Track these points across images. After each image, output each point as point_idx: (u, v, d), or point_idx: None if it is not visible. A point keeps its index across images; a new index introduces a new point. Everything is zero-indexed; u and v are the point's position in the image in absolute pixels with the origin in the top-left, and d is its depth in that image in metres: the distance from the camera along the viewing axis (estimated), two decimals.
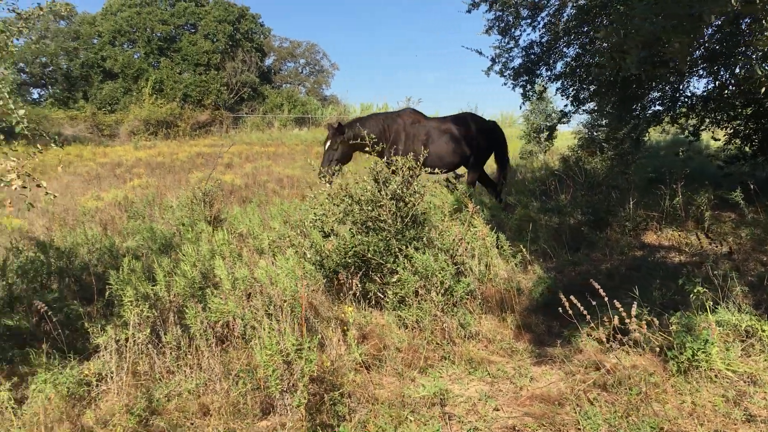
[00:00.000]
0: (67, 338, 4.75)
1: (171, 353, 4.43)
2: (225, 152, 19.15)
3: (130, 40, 36.83)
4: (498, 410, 3.95)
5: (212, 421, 3.80)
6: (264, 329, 4.07)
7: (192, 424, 3.85)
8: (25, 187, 3.21)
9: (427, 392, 3.98)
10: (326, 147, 9.54)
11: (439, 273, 4.88)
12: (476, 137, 10.25)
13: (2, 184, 3.22)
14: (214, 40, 37.58)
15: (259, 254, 6.75)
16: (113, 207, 10.93)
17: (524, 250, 6.18)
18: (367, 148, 9.47)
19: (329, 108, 42.29)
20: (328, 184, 9.31)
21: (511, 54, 10.12)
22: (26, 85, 35.92)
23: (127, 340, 4.36)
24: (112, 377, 4.17)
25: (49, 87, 36.50)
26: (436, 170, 9.87)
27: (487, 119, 10.87)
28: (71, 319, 4.98)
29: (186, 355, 4.42)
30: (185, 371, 4.29)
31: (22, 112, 3.16)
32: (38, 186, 3.32)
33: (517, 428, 3.71)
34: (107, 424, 3.71)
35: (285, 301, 4.69)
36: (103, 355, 4.29)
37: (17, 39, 3.49)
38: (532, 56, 10.03)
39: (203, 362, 4.28)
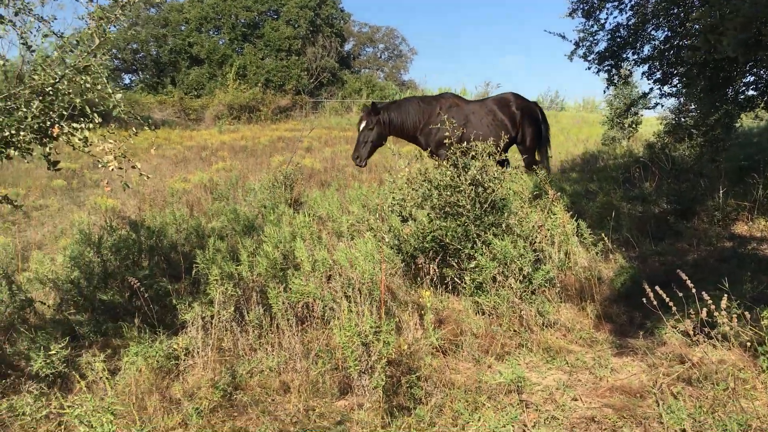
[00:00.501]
0: (156, 314, 4.97)
1: (253, 331, 4.58)
2: (305, 137, 19.46)
3: (215, 26, 37.78)
4: (576, 400, 3.90)
5: (292, 398, 3.91)
6: (343, 311, 4.15)
7: (273, 400, 3.97)
8: (120, 168, 3.37)
9: (504, 379, 3.97)
10: (361, 128, 9.23)
11: (518, 260, 4.84)
12: (520, 118, 9.87)
13: (100, 166, 3.39)
14: (296, 26, 38.09)
15: (338, 237, 6.86)
16: (199, 189, 11.31)
17: (606, 238, 6.04)
18: (404, 132, 9.34)
19: (407, 93, 42.27)
20: (361, 166, 9.21)
21: (595, 37, 9.81)
22: (119, 71, 37.43)
23: (212, 317, 4.53)
24: (198, 352, 4.35)
25: (140, 73, 37.91)
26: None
27: (530, 100, 10.44)
28: (160, 295, 5.21)
29: (267, 333, 4.55)
30: (267, 349, 4.42)
31: (119, 96, 3.31)
32: (132, 167, 3.48)
33: (596, 419, 3.65)
34: (193, 396, 3.87)
35: (363, 284, 4.76)
36: (190, 331, 4.48)
37: (113, 26, 3.65)
38: (618, 39, 9.70)
39: (284, 341, 4.41)
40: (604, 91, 11.38)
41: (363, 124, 9.16)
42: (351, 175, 12.96)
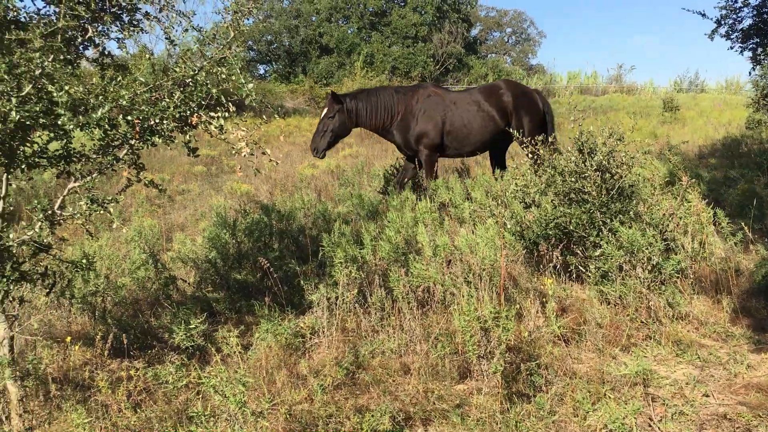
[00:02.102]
0: (285, 294, 5.21)
1: (375, 313, 4.70)
2: None
3: (344, 16, 38.58)
4: (708, 396, 3.73)
5: (412, 380, 3.99)
6: (463, 296, 4.18)
7: (394, 381, 4.07)
8: (252, 155, 3.56)
9: (629, 371, 3.85)
10: (322, 115, 8.34)
11: (647, 249, 4.66)
12: (513, 107, 8.80)
13: (233, 152, 3.61)
14: (423, 12, 38.19)
15: (460, 223, 6.87)
16: (326, 174, 11.66)
17: (746, 228, 5.67)
18: (375, 125, 8.36)
19: (534, 77, 41.32)
20: (319, 158, 8.36)
21: (739, 15, 9.18)
22: (254, 62, 39.12)
23: (337, 298, 4.69)
24: (323, 332, 4.53)
25: (273, 63, 39.42)
26: (465, 153, 8.88)
27: (527, 86, 9.41)
28: (289, 276, 5.45)
29: (389, 316, 4.66)
30: (388, 331, 4.53)
31: (251, 86, 3.49)
32: (263, 153, 3.67)
33: (728, 416, 3.48)
34: (318, 373, 4.04)
35: (484, 270, 4.76)
36: (316, 311, 4.67)
37: (248, 19, 3.85)
38: (765, 16, 9.03)
39: (405, 324, 4.50)
40: (750, 72, 10.58)
41: (324, 112, 8.32)
42: (475, 161, 12.88)
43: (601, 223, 5.17)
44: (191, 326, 4.27)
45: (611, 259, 4.78)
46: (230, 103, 3.60)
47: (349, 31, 38.28)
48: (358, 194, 7.90)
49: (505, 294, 4.59)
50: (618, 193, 5.33)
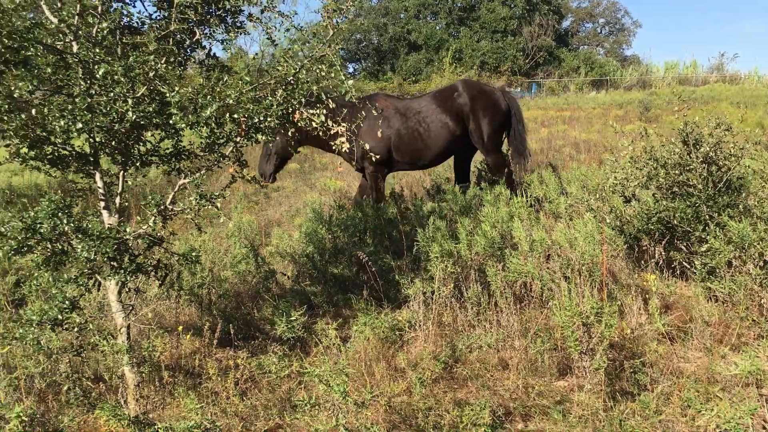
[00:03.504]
0: (380, 288, 5.27)
1: (472, 308, 4.69)
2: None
3: (433, 12, 38.55)
4: None
5: (511, 375, 3.96)
6: (562, 291, 4.11)
7: (492, 375, 4.05)
8: (352, 149, 3.61)
9: (741, 371, 3.68)
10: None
11: (758, 243, 4.43)
12: (470, 109, 7.99)
13: (333, 147, 3.68)
14: (512, 5, 37.64)
15: (555, 218, 6.75)
16: (419, 171, 11.68)
17: None
18: (321, 142, 7.25)
19: (629, 69, 39.97)
20: (270, 182, 7.85)
21: None
22: (344, 60, 39.70)
23: (432, 293, 4.71)
24: (420, 326, 4.55)
25: (362, 61, 39.86)
26: (420, 165, 8.07)
27: (489, 85, 8.61)
28: (384, 271, 5.51)
29: (486, 311, 4.64)
30: (485, 326, 4.51)
31: (350, 82, 3.56)
32: (363, 148, 3.72)
33: None
34: (416, 366, 4.07)
35: (583, 265, 4.66)
36: (412, 305, 4.70)
37: (344, 17, 3.91)
38: None
39: (502, 319, 4.47)
40: None
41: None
42: (569, 155, 12.60)
43: (707, 217, 4.96)
44: (292, 318, 4.39)
45: (719, 254, 4.58)
46: (330, 100, 3.67)
47: (438, 27, 38.21)
48: (451, 189, 7.89)
49: (606, 290, 4.48)
50: (725, 186, 5.10)
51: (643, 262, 5.28)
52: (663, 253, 5.12)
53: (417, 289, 4.68)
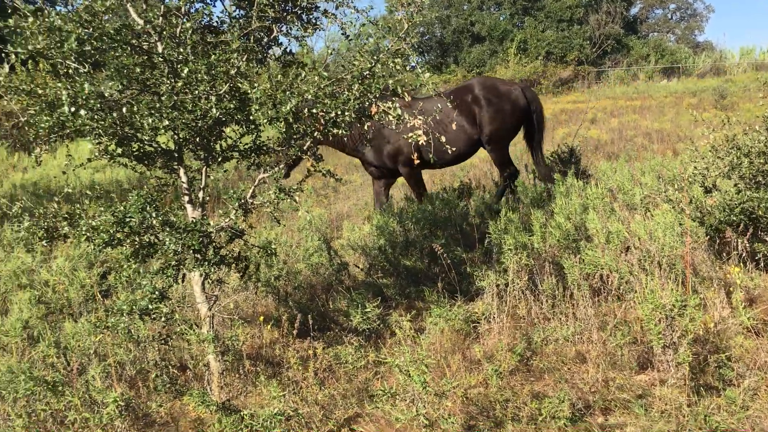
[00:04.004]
0: (452, 280, 5.28)
1: (547, 301, 4.64)
2: (589, 108, 18.86)
3: (496, 3, 38.12)
4: None
5: (589, 368, 3.91)
6: (642, 284, 4.03)
7: (569, 369, 4.01)
8: (429, 142, 3.63)
9: None
10: None
11: None
12: (486, 108, 7.68)
13: (411, 140, 3.70)
14: None
15: (630, 210, 6.60)
16: (485, 162, 11.61)
17: None
18: (338, 142, 7.08)
19: (702, 56, 38.59)
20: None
21: None
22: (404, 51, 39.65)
23: (506, 285, 4.69)
24: (494, 318, 4.54)
25: (425, 54, 39.75)
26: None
27: (506, 82, 8.29)
28: (455, 263, 5.50)
29: (561, 303, 4.59)
30: (560, 319, 4.46)
31: (427, 75, 3.57)
32: (439, 141, 3.73)
33: None
34: (492, 358, 4.07)
35: (663, 257, 4.56)
36: (486, 298, 4.69)
37: (417, 11, 3.92)
38: None
39: (578, 312, 4.41)
40: None
41: None
42: (641, 146, 12.30)
43: None
44: (367, 310, 4.45)
45: None
46: (406, 93, 3.69)
47: (501, 18, 37.74)
48: (520, 181, 7.81)
49: (689, 283, 4.37)
50: None
51: (724, 254, 5.12)
52: (747, 245, 4.95)
53: (490, 281, 4.66)
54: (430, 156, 7.34)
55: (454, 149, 6.96)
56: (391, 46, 3.77)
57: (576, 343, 4.24)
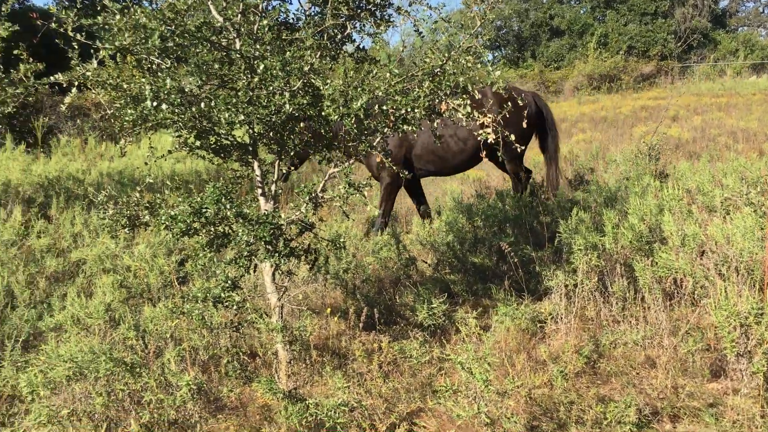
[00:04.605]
0: (520, 278, 5.24)
1: (617, 303, 4.56)
2: (671, 105, 18.24)
3: None
4: None
5: (658, 374, 3.83)
6: (718, 289, 3.90)
7: (638, 373, 3.94)
8: (496, 140, 3.62)
9: None
10: None
11: None
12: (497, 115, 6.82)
13: (480, 138, 3.70)
14: None
15: (709, 212, 6.37)
16: (561, 160, 11.41)
17: None
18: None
19: None
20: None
21: None
22: (483, 49, 39.33)
23: (575, 285, 4.62)
24: (561, 319, 4.49)
25: (501, 48, 39.28)
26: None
27: (516, 88, 7.83)
28: (524, 261, 5.46)
29: (631, 306, 4.50)
30: (630, 322, 4.38)
31: (498, 73, 3.56)
32: (508, 139, 3.72)
33: None
34: (557, 359, 4.03)
35: (741, 263, 4.40)
36: (554, 298, 4.64)
37: (490, 8, 3.91)
38: None
39: (649, 316, 4.31)
40: None
41: None
42: (724, 145, 11.82)
43: None
44: (433, 306, 4.47)
45: None
46: (476, 91, 3.69)
47: (582, 11, 36.89)
48: (595, 180, 7.66)
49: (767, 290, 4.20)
50: None
51: None
52: None
53: (559, 282, 4.61)
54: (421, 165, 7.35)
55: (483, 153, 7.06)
56: (463, 43, 3.77)
57: (646, 348, 4.15)
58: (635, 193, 6.34)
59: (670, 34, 34.99)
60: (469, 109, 3.67)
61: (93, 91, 3.87)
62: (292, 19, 4.12)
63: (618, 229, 5.23)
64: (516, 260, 5.02)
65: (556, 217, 6.66)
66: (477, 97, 3.72)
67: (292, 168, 6.98)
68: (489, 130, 3.62)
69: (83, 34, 3.65)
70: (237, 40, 3.63)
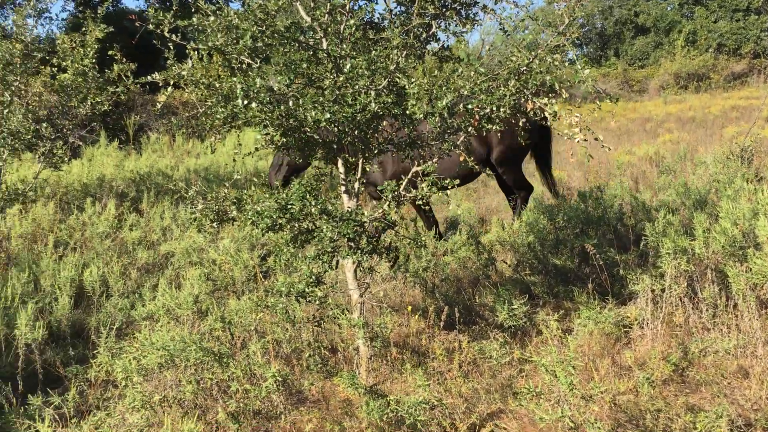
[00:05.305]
0: (603, 282, 5.12)
1: (707, 310, 4.39)
2: (765, 105, 17.40)
3: None
4: None
5: (752, 384, 3.67)
6: None
7: (729, 383, 3.78)
8: (585, 140, 3.56)
9: None
10: None
11: None
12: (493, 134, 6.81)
13: (565, 138, 3.64)
14: None
15: None
16: (644, 162, 11.08)
17: None
18: None
19: None
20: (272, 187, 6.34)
21: None
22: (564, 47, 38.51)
23: (663, 291, 4.48)
24: (647, 324, 4.36)
25: (584, 46, 38.38)
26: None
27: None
28: (607, 264, 5.33)
29: (723, 313, 4.32)
30: (722, 330, 4.21)
31: (587, 71, 3.49)
32: (595, 139, 3.65)
33: None
34: (643, 366, 3.91)
35: None
36: (640, 302, 4.51)
37: (564, 4, 3.82)
38: None
39: (742, 324, 4.13)
40: None
41: None
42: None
43: None
44: (513, 307, 4.42)
45: None
46: (563, 90, 3.63)
47: (669, 8, 35.63)
48: (683, 182, 7.40)
49: None
50: None
51: None
52: None
53: (645, 286, 4.48)
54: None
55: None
56: (550, 41, 3.72)
57: (738, 357, 3.98)
58: (727, 196, 6.09)
59: (764, 31, 33.33)
60: (555, 108, 3.62)
61: (186, 89, 4.02)
62: (378, 18, 4.16)
63: (709, 233, 5.04)
64: (600, 263, 4.90)
65: (641, 219, 6.47)
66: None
67: (293, 175, 7.06)
68: (576, 129, 3.55)
69: (178, 35, 3.80)
70: (324, 40, 3.69)
